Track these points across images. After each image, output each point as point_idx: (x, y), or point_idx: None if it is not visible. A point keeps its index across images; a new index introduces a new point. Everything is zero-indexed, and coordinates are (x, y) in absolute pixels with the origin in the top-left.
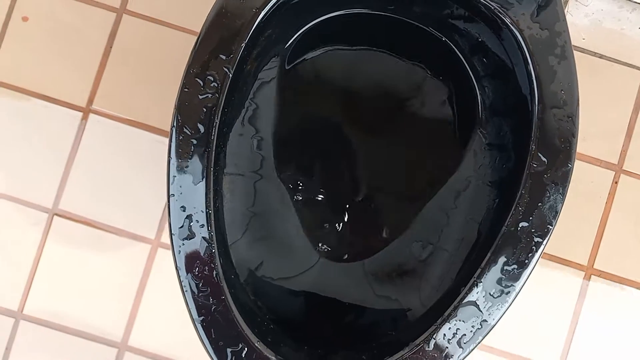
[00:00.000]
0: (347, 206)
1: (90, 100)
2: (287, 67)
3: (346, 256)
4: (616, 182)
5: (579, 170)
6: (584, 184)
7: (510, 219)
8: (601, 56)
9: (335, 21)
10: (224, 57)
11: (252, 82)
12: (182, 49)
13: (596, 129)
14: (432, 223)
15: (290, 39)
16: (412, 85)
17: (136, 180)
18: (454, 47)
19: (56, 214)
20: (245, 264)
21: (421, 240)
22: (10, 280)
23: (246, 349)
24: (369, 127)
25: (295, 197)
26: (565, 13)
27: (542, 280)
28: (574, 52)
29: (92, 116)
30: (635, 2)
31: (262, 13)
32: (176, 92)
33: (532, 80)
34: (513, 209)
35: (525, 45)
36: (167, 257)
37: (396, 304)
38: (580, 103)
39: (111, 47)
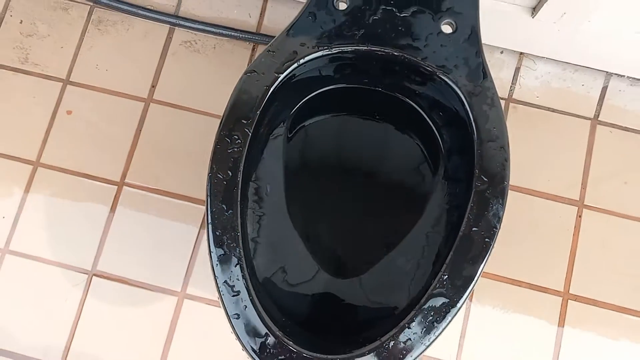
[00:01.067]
0: (344, 237)
1: (124, 175)
2: (289, 135)
3: (346, 274)
4: (580, 216)
5: (547, 207)
6: (553, 219)
7: (464, 226)
8: (554, 110)
9: (326, 94)
10: (244, 122)
11: (265, 141)
12: (201, 128)
13: (557, 171)
14: (414, 243)
15: (294, 108)
16: (387, 140)
17: (163, 242)
18: (416, 107)
19: (95, 275)
20: (264, 275)
21: (405, 257)
22: (52, 334)
23: (271, 338)
24: (357, 174)
25: (302, 229)
26: (519, 77)
27: (524, 306)
28: (531, 108)
29: (125, 189)
30: (577, 65)
31: (271, 89)
32: (196, 165)
33: (472, 122)
34: (465, 218)
35: (465, 98)
36: (193, 306)
37: (385, 305)
38: (541, 150)
39: (140, 130)
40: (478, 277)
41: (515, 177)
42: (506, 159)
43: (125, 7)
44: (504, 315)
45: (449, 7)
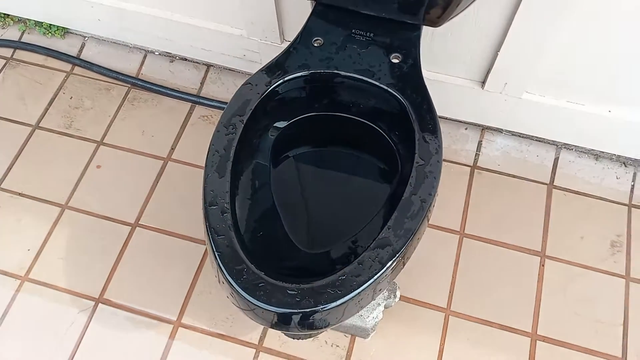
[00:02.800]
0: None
1: (138, 218)
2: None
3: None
4: (543, 265)
5: (514, 257)
6: (519, 267)
7: (406, 193)
8: (514, 176)
9: (310, 119)
10: (239, 116)
11: (256, 145)
12: None
13: (522, 227)
14: (371, 211)
15: (283, 123)
16: (359, 156)
17: (166, 276)
18: (379, 129)
19: (101, 302)
20: (244, 231)
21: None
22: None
23: (245, 268)
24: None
25: (284, 213)
26: (482, 148)
27: (495, 345)
28: (494, 174)
29: (137, 229)
30: (531, 138)
31: (262, 97)
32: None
33: (413, 122)
34: (407, 186)
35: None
36: (187, 334)
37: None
38: (507, 208)
39: (157, 182)
40: (417, 230)
41: (485, 231)
42: (439, 146)
43: (157, 88)
44: (476, 352)
45: (397, 45)
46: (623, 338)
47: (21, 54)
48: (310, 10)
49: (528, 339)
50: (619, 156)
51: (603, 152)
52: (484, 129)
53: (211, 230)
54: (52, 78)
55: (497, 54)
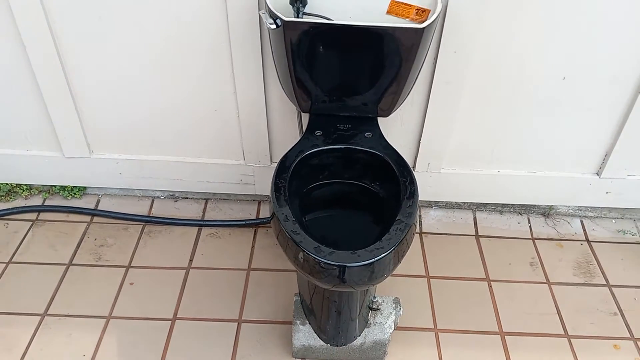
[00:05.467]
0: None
1: (175, 313)
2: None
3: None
4: (490, 286)
5: (470, 286)
6: (475, 290)
7: (402, 196)
8: (450, 234)
9: (323, 185)
10: (284, 174)
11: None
12: (226, 279)
13: (466, 265)
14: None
15: (308, 185)
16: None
17: (208, 353)
18: (369, 187)
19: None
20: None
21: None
22: None
23: (319, 246)
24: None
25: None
26: (422, 219)
27: (477, 346)
28: (436, 235)
29: (177, 321)
30: (454, 205)
31: (299, 158)
32: (224, 303)
33: (392, 162)
34: (401, 193)
35: (385, 154)
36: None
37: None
38: (450, 257)
39: (184, 287)
40: (416, 212)
41: (443, 272)
42: (412, 174)
43: (167, 221)
44: (466, 353)
45: (367, 130)
46: (560, 321)
47: (45, 216)
48: (292, 137)
49: (498, 335)
50: (513, 205)
51: (505, 205)
52: (420, 207)
53: (290, 233)
54: (75, 228)
55: (420, 142)
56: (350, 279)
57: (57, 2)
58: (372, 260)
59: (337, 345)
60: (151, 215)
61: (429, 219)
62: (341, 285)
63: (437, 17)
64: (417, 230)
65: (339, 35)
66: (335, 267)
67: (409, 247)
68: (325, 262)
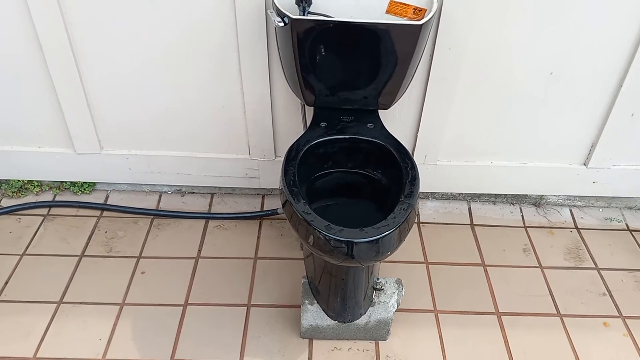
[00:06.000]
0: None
1: (187, 299)
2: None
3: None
4: (486, 271)
5: (466, 270)
6: (472, 275)
7: (404, 179)
8: (446, 224)
9: (326, 174)
10: (293, 162)
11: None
12: (232, 267)
13: (464, 252)
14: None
15: (314, 173)
16: (360, 194)
17: (220, 334)
18: (372, 175)
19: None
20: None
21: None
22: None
23: (329, 224)
24: (344, 194)
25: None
26: (419, 210)
27: (475, 326)
28: (433, 225)
29: (188, 307)
30: (450, 196)
31: (307, 147)
32: (233, 289)
33: (400, 166)
34: (404, 176)
35: (389, 145)
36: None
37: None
38: (447, 244)
39: (195, 273)
40: (417, 195)
41: (441, 258)
42: (413, 160)
43: (175, 214)
44: (465, 332)
45: (369, 122)
46: (552, 301)
47: (56, 210)
48: (296, 133)
49: (495, 316)
50: (506, 195)
51: (498, 195)
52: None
53: (302, 213)
54: (86, 222)
55: (417, 136)
56: (358, 254)
57: (74, 3)
58: (379, 236)
59: (345, 322)
60: (160, 209)
61: (426, 210)
62: (350, 260)
63: (433, 15)
64: (416, 220)
65: (342, 32)
66: (344, 244)
67: (410, 228)
68: (335, 239)
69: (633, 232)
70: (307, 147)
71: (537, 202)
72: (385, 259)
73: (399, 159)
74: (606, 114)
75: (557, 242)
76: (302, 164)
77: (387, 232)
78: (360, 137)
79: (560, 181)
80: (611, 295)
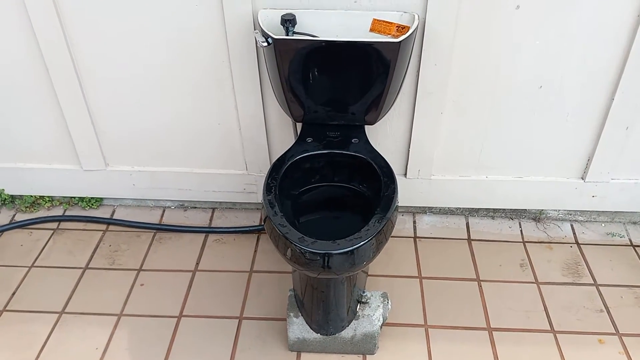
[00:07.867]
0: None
1: (181, 311)
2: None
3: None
4: (480, 286)
5: (460, 285)
6: (466, 289)
7: (382, 193)
8: (443, 238)
9: (313, 188)
10: (275, 175)
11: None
12: (229, 281)
13: (459, 267)
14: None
15: (300, 188)
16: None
17: (210, 346)
18: (357, 189)
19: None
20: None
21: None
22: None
23: (303, 237)
24: (331, 205)
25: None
26: (417, 225)
27: (465, 342)
28: (430, 239)
29: (182, 319)
30: (446, 213)
31: (290, 162)
32: (226, 303)
33: (376, 165)
34: (382, 190)
35: (369, 158)
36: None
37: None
38: (443, 259)
39: (190, 287)
40: (394, 208)
41: (435, 273)
42: (392, 174)
43: (175, 228)
44: (455, 348)
45: (355, 137)
46: (546, 317)
47: (65, 225)
48: (288, 146)
49: (486, 331)
50: (504, 210)
51: (496, 210)
52: (414, 213)
53: (278, 226)
54: (92, 236)
55: (409, 150)
56: (333, 265)
57: (76, 24)
58: (351, 247)
59: (327, 335)
60: (162, 223)
61: (423, 224)
62: (326, 271)
63: (412, 32)
64: (411, 235)
65: (324, 51)
66: (319, 256)
67: (387, 239)
68: (310, 252)
69: (636, 248)
70: (290, 162)
71: (537, 217)
72: (375, 274)
73: (379, 172)
74: (600, 128)
75: (556, 257)
76: (286, 179)
77: (360, 244)
78: (340, 152)
79: (558, 195)
80: (609, 312)
